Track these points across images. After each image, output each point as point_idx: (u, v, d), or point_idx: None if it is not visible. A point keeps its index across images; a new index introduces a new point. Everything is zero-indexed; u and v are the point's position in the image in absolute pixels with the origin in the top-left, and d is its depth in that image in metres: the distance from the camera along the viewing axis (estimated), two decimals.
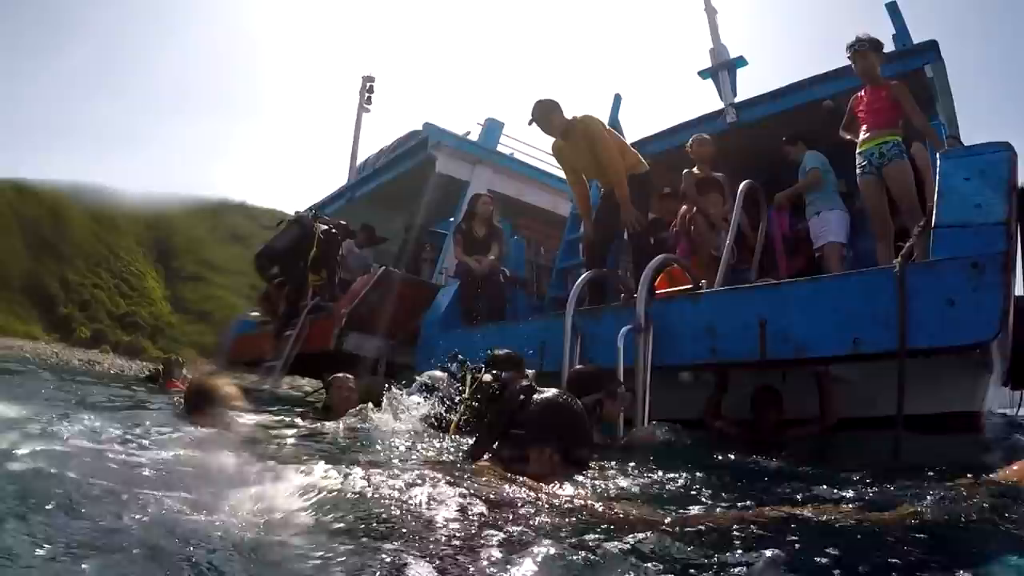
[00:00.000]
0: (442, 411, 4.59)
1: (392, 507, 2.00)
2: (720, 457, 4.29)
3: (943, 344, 4.23)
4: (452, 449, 3.63)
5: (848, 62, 6.17)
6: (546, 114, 6.98)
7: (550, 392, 2.69)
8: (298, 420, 5.45)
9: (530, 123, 7.05)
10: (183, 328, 66.57)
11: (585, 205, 7.45)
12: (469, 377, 4.75)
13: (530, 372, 5.13)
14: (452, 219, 10.74)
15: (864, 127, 6.01)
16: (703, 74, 8.26)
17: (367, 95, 17.03)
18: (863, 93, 6.10)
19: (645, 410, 5.12)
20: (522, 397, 2.64)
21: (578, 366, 5.50)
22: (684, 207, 7.41)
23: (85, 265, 70.23)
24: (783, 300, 5.00)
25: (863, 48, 5.99)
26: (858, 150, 5.99)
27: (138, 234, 78.19)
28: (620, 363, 5.23)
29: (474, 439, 2.94)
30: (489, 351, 5.17)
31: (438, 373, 4.98)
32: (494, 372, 4.79)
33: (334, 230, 10.34)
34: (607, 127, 7.27)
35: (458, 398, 4.60)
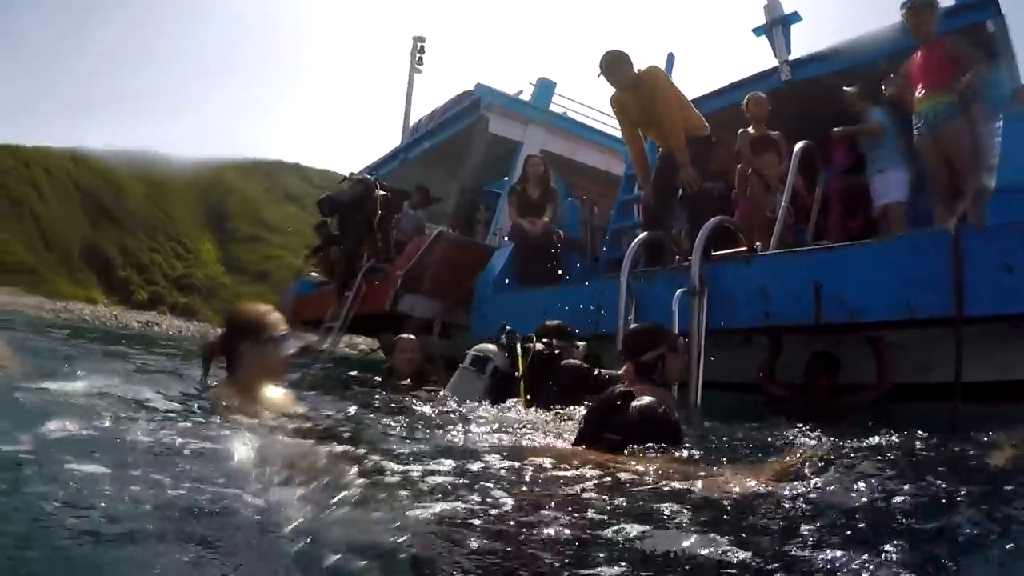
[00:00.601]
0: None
1: (515, 495, 2.06)
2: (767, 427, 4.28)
3: (1000, 312, 4.17)
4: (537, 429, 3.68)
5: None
6: (616, 65, 6.72)
7: (647, 400, 2.67)
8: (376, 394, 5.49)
9: (598, 75, 6.89)
10: (238, 289, 67.69)
11: (642, 164, 7.27)
12: (520, 348, 4.82)
13: (580, 344, 5.22)
14: (506, 178, 10.79)
15: (920, 87, 5.92)
16: (757, 31, 8.09)
17: (418, 55, 17.07)
18: (919, 54, 5.99)
19: (699, 374, 5.13)
20: (619, 402, 2.64)
21: (633, 325, 5.52)
22: (740, 167, 7.36)
23: (142, 230, 71.92)
24: (837, 263, 4.96)
25: (916, 6, 5.88)
26: (915, 110, 5.92)
27: (192, 199, 79.59)
28: (675, 326, 5.24)
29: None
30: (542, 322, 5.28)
31: (489, 346, 5.05)
32: (544, 341, 4.90)
33: (391, 196, 10.56)
34: (671, 81, 7.07)
35: (516, 374, 4.66)
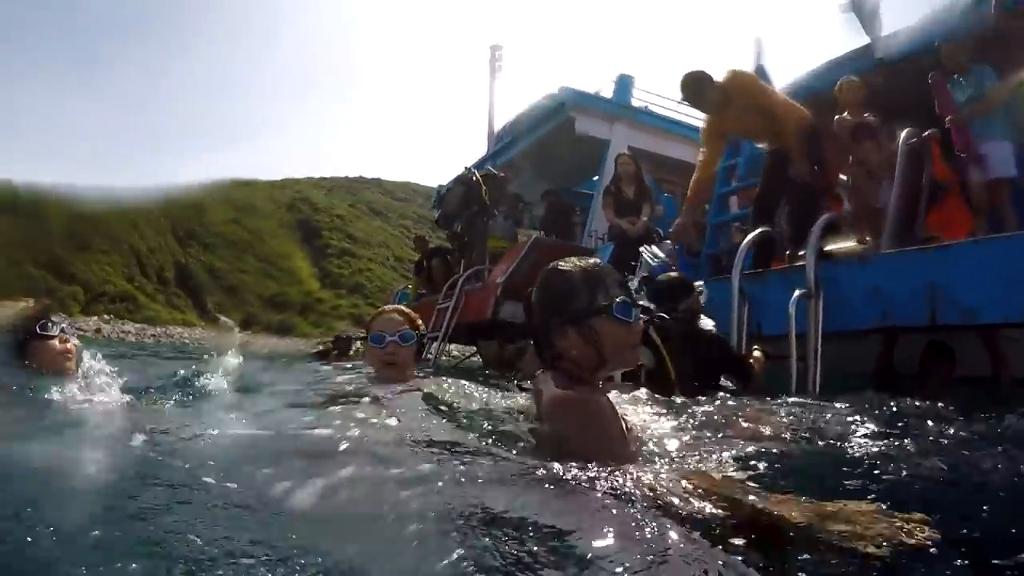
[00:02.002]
0: None
1: None
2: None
3: None
4: None
5: None
6: (698, 88, 6.53)
7: None
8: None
9: (680, 101, 6.86)
10: (334, 302, 69.50)
11: (708, 174, 7.21)
12: (654, 332, 4.62)
13: (699, 288, 5.21)
14: (595, 178, 10.88)
15: None
16: (844, 8, 7.91)
17: (497, 64, 17.25)
18: None
19: (817, 377, 5.11)
20: None
21: (662, 275, 5.39)
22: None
23: (230, 252, 74.56)
24: (953, 261, 4.87)
25: None
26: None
27: (281, 217, 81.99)
28: (792, 330, 5.25)
29: None
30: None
31: None
32: (669, 310, 4.79)
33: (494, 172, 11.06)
34: (758, 79, 7.01)
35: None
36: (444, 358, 11.91)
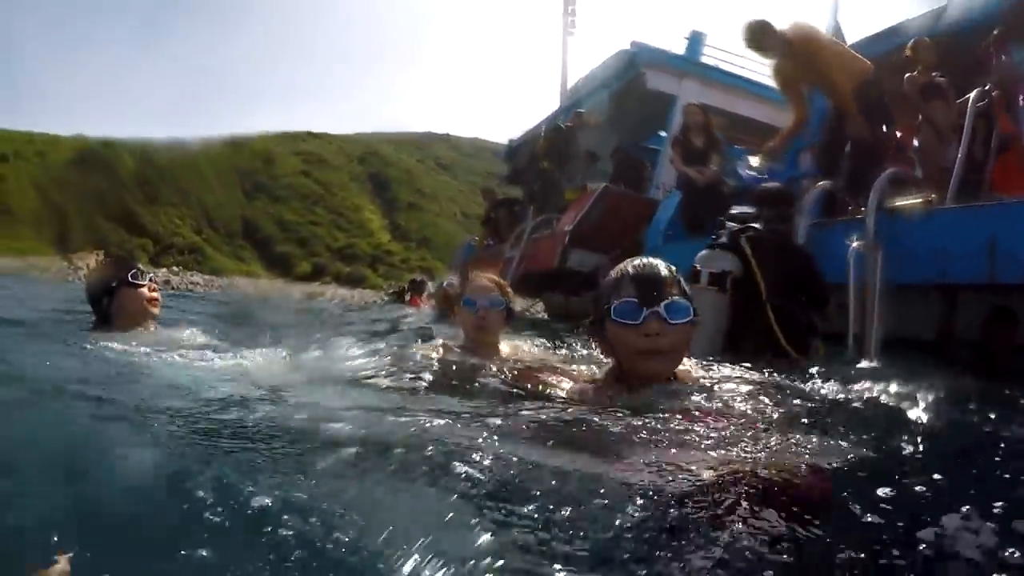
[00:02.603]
0: None
1: None
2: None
3: None
4: None
5: None
6: (759, 36, 6.75)
7: None
8: None
9: (745, 48, 7.02)
10: (404, 255, 70.06)
11: (798, 126, 7.44)
12: (746, 242, 4.81)
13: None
14: (662, 133, 10.99)
15: None
16: None
17: (571, 18, 17.23)
18: None
19: (876, 330, 5.16)
20: None
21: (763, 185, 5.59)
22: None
23: (301, 204, 75.54)
24: (1014, 218, 4.89)
25: None
26: None
27: (352, 170, 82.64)
28: (851, 279, 5.32)
29: None
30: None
31: (714, 253, 5.06)
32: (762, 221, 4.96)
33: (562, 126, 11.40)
34: (822, 32, 7.12)
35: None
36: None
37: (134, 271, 4.02)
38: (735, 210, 5.37)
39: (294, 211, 75.23)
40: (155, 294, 4.11)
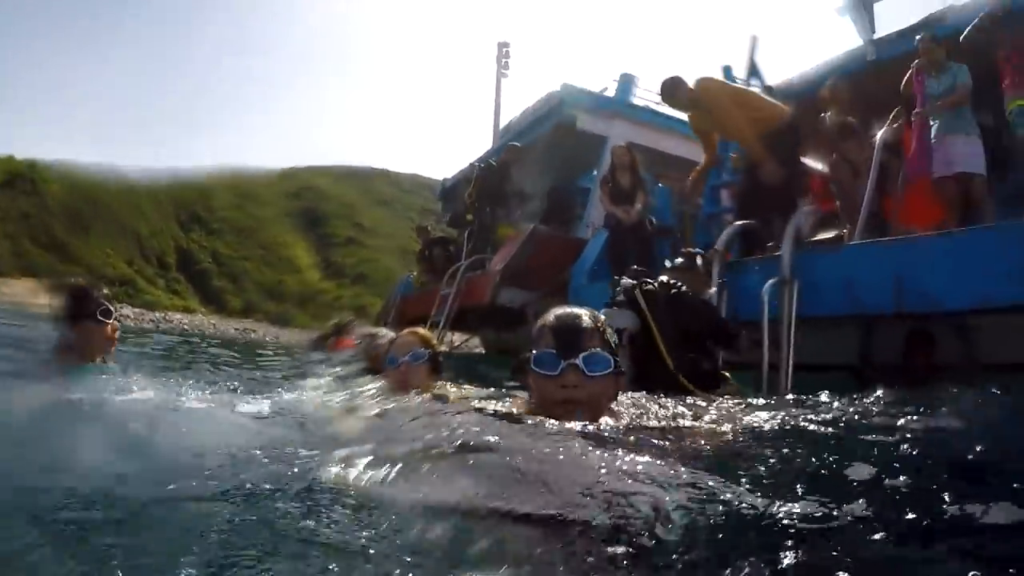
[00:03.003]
0: None
1: None
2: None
3: None
4: None
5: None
6: (672, 91, 7.20)
7: None
8: None
9: (659, 103, 7.44)
10: (336, 293, 68.91)
11: (704, 169, 8.03)
12: (641, 296, 4.80)
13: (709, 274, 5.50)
14: (594, 172, 11.17)
15: (1009, 80, 6.12)
16: (841, 11, 8.14)
17: (504, 60, 17.47)
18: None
19: (789, 361, 5.36)
20: None
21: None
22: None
23: (234, 239, 74.20)
24: (918, 254, 5.15)
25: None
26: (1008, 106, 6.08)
27: (285, 206, 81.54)
28: (764, 315, 5.50)
29: None
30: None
31: (611, 311, 4.99)
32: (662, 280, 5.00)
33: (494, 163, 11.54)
34: (727, 85, 7.49)
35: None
36: (443, 347, 12.22)
37: (104, 308, 3.86)
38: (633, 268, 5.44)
39: (228, 245, 73.94)
40: (116, 333, 3.97)
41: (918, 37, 6.79)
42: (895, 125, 6.90)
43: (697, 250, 5.47)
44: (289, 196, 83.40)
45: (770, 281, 5.65)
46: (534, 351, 2.34)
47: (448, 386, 3.89)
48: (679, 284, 4.73)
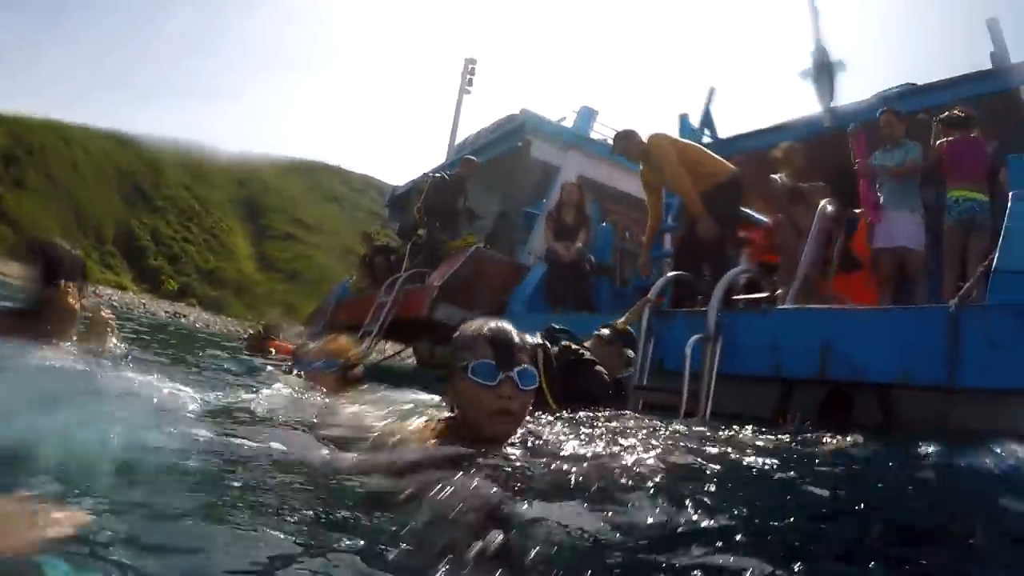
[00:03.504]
0: None
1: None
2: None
3: (987, 385, 4.44)
4: None
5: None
6: (624, 143, 7.51)
7: None
8: None
9: (611, 153, 7.59)
10: (269, 286, 68.05)
11: (651, 231, 8.13)
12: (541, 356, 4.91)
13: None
14: (544, 200, 11.18)
15: (951, 172, 6.30)
16: (803, 75, 8.18)
17: (469, 77, 17.49)
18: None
19: (707, 414, 5.39)
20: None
21: None
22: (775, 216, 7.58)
23: (177, 219, 72.50)
24: (846, 324, 5.24)
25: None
26: (947, 194, 6.27)
27: (231, 192, 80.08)
28: (686, 369, 5.53)
29: None
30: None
31: None
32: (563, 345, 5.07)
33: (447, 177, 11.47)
34: (677, 141, 7.62)
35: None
36: (375, 355, 12.09)
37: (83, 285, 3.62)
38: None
39: (170, 225, 72.35)
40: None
41: (881, 109, 6.93)
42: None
43: (627, 328, 5.46)
44: (236, 182, 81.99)
45: (694, 337, 5.69)
46: (471, 361, 2.34)
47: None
48: (581, 352, 4.74)
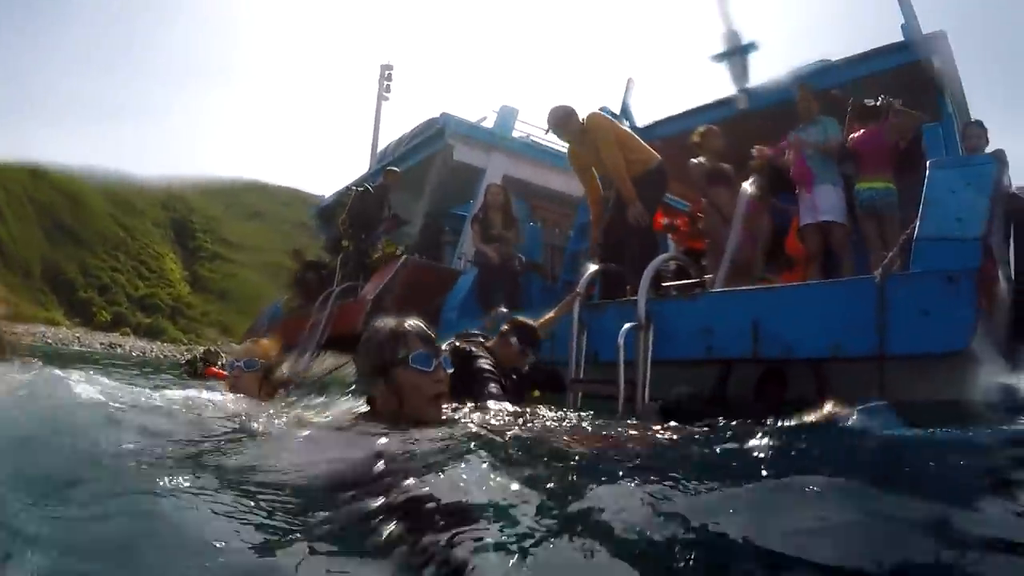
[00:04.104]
0: None
1: None
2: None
3: (917, 351, 4.50)
4: None
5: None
6: (563, 120, 7.23)
7: None
8: None
9: (547, 131, 7.41)
10: (203, 308, 67.20)
11: (596, 209, 7.69)
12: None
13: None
14: (471, 202, 11.10)
15: (859, 159, 6.45)
16: (715, 58, 8.15)
17: (386, 83, 17.36)
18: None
19: (645, 401, 5.44)
20: None
21: None
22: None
23: (103, 249, 71.13)
24: (774, 303, 5.29)
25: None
26: (856, 183, 6.39)
27: (155, 216, 78.73)
28: (620, 359, 5.51)
29: None
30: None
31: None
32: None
33: (370, 188, 11.39)
34: (615, 124, 7.46)
35: None
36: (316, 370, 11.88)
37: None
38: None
39: (96, 255, 70.67)
40: None
41: (798, 85, 7.03)
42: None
43: (522, 322, 5.39)
44: (160, 206, 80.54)
45: (627, 325, 5.67)
46: (409, 352, 2.53)
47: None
48: (468, 350, 4.83)
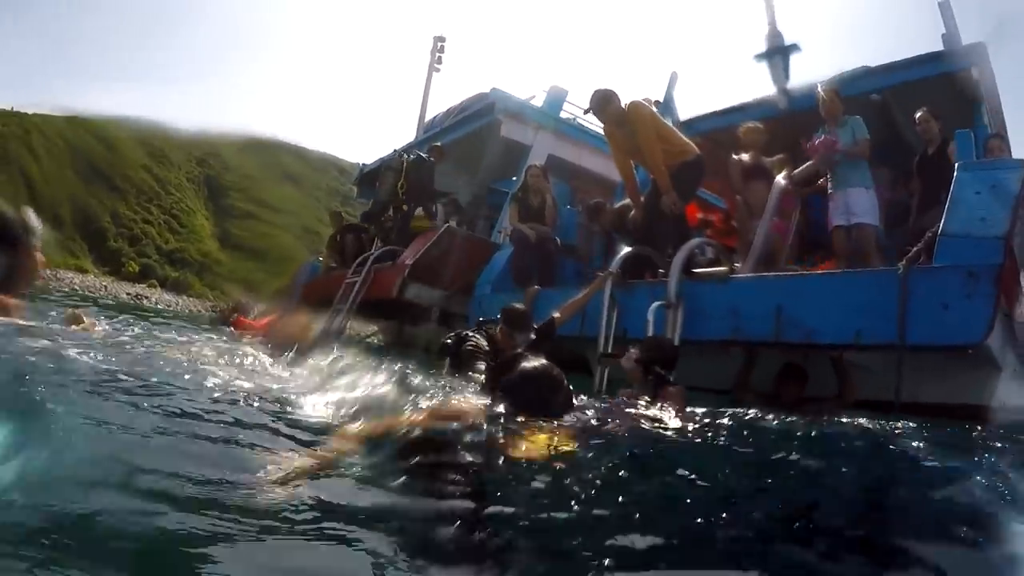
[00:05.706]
0: None
1: None
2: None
3: (935, 343, 4.70)
4: None
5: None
6: (604, 103, 7.34)
7: (533, 363, 2.97)
8: None
9: (586, 112, 7.57)
10: (232, 265, 67.01)
11: (633, 190, 7.83)
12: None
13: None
14: (515, 178, 11.27)
15: None
16: (758, 57, 8.21)
17: (438, 55, 17.55)
18: None
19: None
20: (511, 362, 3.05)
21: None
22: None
23: (136, 200, 70.92)
24: (799, 290, 5.51)
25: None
26: None
27: (190, 170, 78.58)
28: (650, 333, 5.72)
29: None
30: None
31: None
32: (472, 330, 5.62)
33: (426, 156, 11.40)
34: (655, 115, 7.57)
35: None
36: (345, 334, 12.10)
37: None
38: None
39: (129, 206, 71.02)
40: None
41: (820, 85, 7.18)
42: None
43: (512, 305, 5.87)
44: (195, 161, 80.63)
45: (656, 303, 5.90)
46: None
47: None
48: (467, 334, 5.47)
